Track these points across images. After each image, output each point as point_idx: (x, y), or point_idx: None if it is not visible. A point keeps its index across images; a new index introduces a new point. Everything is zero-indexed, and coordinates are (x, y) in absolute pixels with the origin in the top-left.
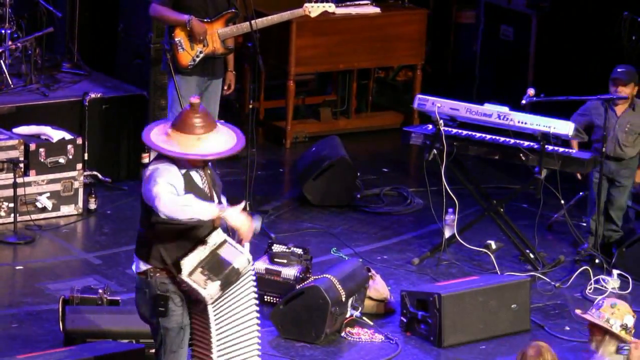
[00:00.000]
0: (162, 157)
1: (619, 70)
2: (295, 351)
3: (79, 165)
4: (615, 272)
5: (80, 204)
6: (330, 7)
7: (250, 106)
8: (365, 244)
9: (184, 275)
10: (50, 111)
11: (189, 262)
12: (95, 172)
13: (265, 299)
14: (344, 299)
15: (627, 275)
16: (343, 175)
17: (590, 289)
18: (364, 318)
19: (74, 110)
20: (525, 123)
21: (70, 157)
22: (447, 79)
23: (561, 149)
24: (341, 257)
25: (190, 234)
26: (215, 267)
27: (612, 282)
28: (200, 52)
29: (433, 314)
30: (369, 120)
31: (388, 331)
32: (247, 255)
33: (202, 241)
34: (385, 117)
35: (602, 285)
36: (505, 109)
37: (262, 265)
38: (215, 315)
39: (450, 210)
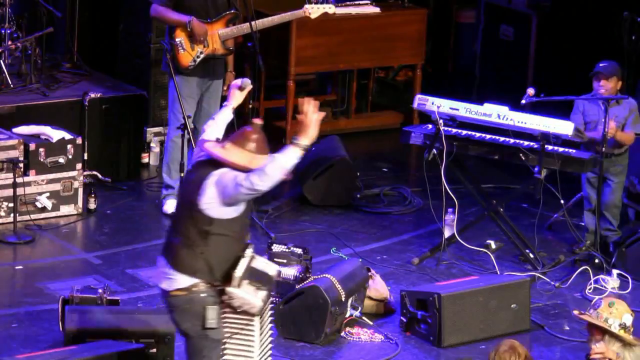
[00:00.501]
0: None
1: (601, 64)
2: (295, 351)
3: (79, 165)
4: (615, 271)
5: (80, 203)
6: (330, 9)
7: (250, 106)
8: (365, 243)
9: (236, 287)
10: (50, 111)
11: (239, 274)
12: (95, 172)
13: None
14: (343, 299)
15: (626, 275)
16: (343, 175)
17: (590, 289)
18: (364, 318)
19: (74, 110)
20: (525, 123)
21: (70, 157)
22: (447, 79)
23: (561, 149)
24: (341, 257)
25: (235, 247)
26: (259, 277)
27: (612, 282)
28: (201, 53)
29: (433, 313)
30: (369, 120)
31: (388, 331)
32: (276, 266)
33: (240, 255)
34: (385, 117)
35: (601, 285)
36: (505, 109)
37: None
38: (260, 329)
39: (450, 210)
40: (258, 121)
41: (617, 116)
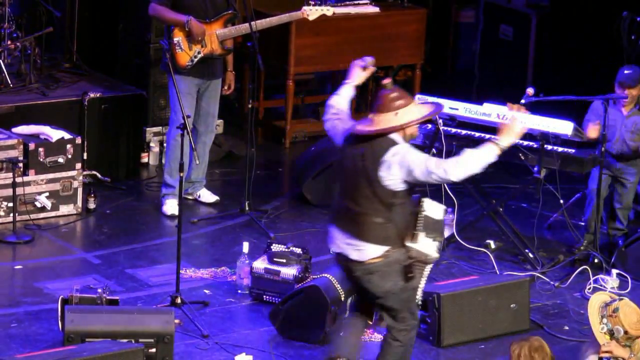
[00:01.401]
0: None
1: (625, 72)
2: (295, 351)
3: (78, 165)
4: (615, 271)
5: (80, 203)
6: (329, 11)
7: (250, 106)
8: None
9: (418, 243)
10: (49, 111)
11: (419, 231)
12: (94, 172)
13: (265, 299)
14: (343, 299)
15: (626, 275)
16: None
17: (589, 289)
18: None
19: (73, 109)
20: (525, 123)
21: (70, 156)
22: (446, 79)
23: (560, 149)
24: None
25: (409, 207)
26: (434, 228)
27: (611, 282)
28: (199, 53)
29: (432, 313)
30: None
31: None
32: (442, 207)
33: (416, 210)
34: None
35: (601, 285)
36: (504, 109)
37: (261, 264)
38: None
39: (449, 209)
40: (387, 80)
41: (637, 123)
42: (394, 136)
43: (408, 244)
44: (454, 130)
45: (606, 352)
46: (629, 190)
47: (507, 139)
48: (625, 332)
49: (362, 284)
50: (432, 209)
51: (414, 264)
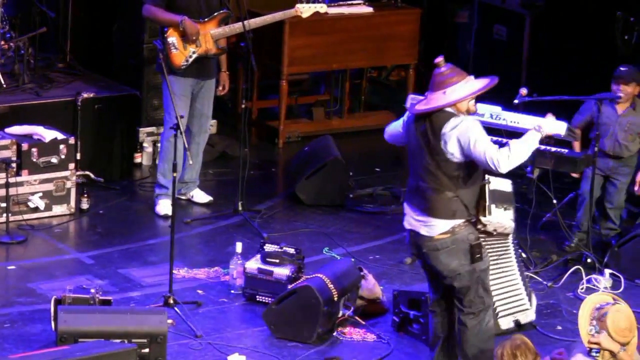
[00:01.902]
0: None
1: (621, 68)
2: (288, 351)
3: (72, 165)
4: (608, 271)
5: (73, 203)
6: (322, 8)
7: (243, 106)
8: (357, 243)
9: (490, 216)
10: (43, 111)
11: (489, 202)
12: (87, 172)
13: (258, 299)
14: (336, 299)
15: (619, 275)
16: (336, 175)
17: (582, 289)
18: (356, 317)
19: (67, 110)
20: (518, 123)
21: (63, 156)
22: None
23: (553, 149)
24: (334, 257)
25: (477, 179)
26: (502, 198)
27: (604, 282)
28: (193, 53)
29: (425, 313)
30: (362, 120)
31: (380, 331)
32: (508, 182)
33: (484, 183)
34: (379, 117)
35: (594, 285)
36: (497, 109)
37: (254, 264)
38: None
39: None
40: (439, 59)
41: (631, 123)
42: (451, 109)
43: (483, 218)
44: None
45: (594, 343)
46: (619, 190)
47: (549, 126)
48: (610, 337)
49: (430, 261)
50: (499, 181)
51: (487, 239)
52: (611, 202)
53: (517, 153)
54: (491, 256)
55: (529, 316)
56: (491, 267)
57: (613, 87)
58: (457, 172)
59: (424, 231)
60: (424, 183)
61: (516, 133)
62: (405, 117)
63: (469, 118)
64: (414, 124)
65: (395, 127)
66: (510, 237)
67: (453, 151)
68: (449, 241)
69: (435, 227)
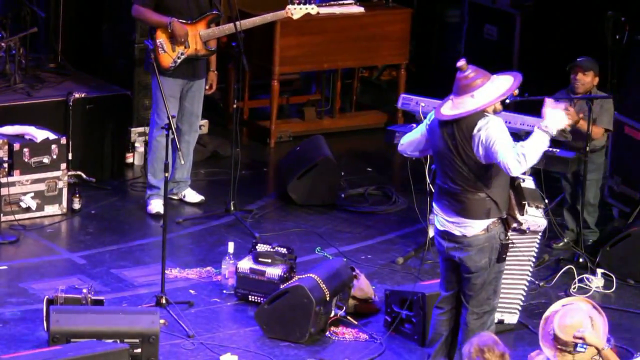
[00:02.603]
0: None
1: (579, 59)
2: (280, 350)
3: (63, 165)
4: (599, 271)
5: (65, 203)
6: (313, 9)
7: (235, 106)
8: (349, 243)
9: (525, 214)
10: (34, 111)
11: (523, 200)
12: (79, 172)
13: (250, 299)
14: (328, 299)
15: (611, 275)
16: (327, 175)
17: (574, 288)
18: (349, 317)
19: (58, 110)
20: (509, 122)
21: (55, 157)
22: (431, 78)
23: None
24: (325, 257)
25: (508, 177)
26: (533, 196)
27: (596, 281)
28: (182, 54)
29: (417, 313)
30: (353, 120)
31: (372, 330)
32: (530, 177)
33: (518, 181)
34: (370, 117)
35: (586, 285)
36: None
37: (246, 264)
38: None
39: (434, 209)
40: (461, 62)
41: (586, 111)
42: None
43: (520, 217)
44: None
45: (579, 338)
46: (587, 187)
47: (554, 124)
48: (555, 336)
49: (461, 256)
50: (529, 183)
51: (516, 240)
52: (581, 202)
53: (529, 158)
54: (513, 254)
55: (513, 318)
56: (508, 264)
57: (571, 76)
58: (487, 172)
59: (457, 232)
60: (454, 185)
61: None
62: (425, 124)
63: (495, 118)
64: (440, 128)
65: (413, 137)
66: (538, 237)
67: (481, 152)
68: (482, 238)
69: (470, 228)
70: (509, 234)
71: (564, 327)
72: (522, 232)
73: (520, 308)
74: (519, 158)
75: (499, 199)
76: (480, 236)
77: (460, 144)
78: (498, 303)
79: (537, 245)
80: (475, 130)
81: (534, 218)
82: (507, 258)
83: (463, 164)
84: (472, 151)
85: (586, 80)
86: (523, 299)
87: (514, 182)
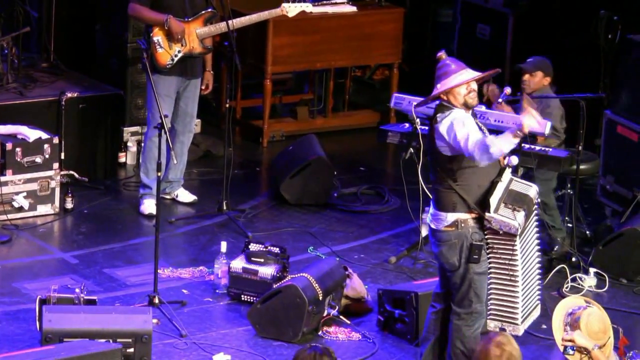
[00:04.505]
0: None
1: (528, 60)
2: (273, 350)
3: (56, 165)
4: (592, 270)
5: (57, 203)
6: (308, 7)
7: (227, 105)
8: (342, 242)
9: (492, 212)
10: (26, 110)
11: (494, 199)
12: (72, 172)
13: (243, 298)
14: (321, 298)
15: (603, 274)
16: (320, 174)
17: (567, 288)
18: (341, 317)
19: (51, 109)
20: (502, 122)
21: (47, 156)
22: (424, 78)
23: (537, 147)
24: (318, 256)
25: (486, 175)
26: (516, 199)
27: (589, 281)
28: (179, 52)
29: (410, 312)
30: (346, 119)
31: (365, 330)
32: (536, 188)
33: (496, 180)
34: (362, 116)
35: (579, 284)
36: (481, 108)
37: (239, 264)
38: (521, 249)
39: (427, 208)
40: (440, 53)
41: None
42: (447, 104)
43: (487, 214)
44: None
45: (568, 340)
46: (543, 188)
47: (527, 123)
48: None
49: (434, 251)
50: (518, 182)
51: (493, 238)
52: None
53: (495, 150)
54: (495, 257)
55: (516, 330)
56: (494, 269)
57: (522, 78)
58: (452, 165)
59: (433, 225)
60: (431, 177)
61: (500, 132)
62: None
63: (460, 111)
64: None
65: None
66: (518, 242)
67: (442, 143)
68: (452, 235)
69: (442, 220)
70: (487, 236)
71: (591, 333)
72: (495, 232)
73: (519, 322)
74: (483, 148)
75: (467, 195)
76: (450, 232)
77: (430, 134)
78: (484, 309)
79: (516, 250)
80: (437, 120)
81: (503, 218)
82: (493, 264)
83: (431, 154)
84: (434, 142)
85: (534, 80)
86: (520, 310)
87: (495, 179)
